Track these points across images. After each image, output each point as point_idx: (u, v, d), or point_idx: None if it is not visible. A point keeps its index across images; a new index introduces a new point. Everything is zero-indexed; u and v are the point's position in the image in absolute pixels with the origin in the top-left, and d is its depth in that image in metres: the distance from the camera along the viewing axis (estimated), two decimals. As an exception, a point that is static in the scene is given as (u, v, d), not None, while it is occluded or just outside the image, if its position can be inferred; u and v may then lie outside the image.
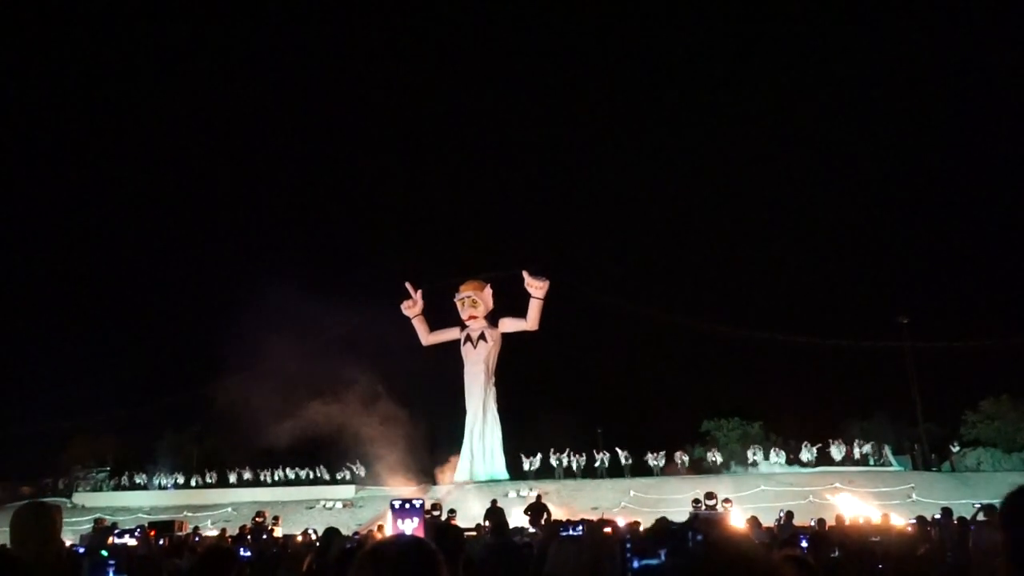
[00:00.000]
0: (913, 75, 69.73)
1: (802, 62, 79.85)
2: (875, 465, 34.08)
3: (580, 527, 5.39)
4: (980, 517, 16.38)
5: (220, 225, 73.91)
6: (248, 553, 5.91)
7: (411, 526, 2.70)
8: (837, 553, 7.05)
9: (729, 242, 65.78)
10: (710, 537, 1.65)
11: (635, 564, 1.70)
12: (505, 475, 35.75)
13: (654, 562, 1.69)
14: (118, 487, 40.93)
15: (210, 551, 4.82)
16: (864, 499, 28.14)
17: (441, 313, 38.40)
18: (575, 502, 29.33)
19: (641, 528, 17.99)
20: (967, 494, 28.63)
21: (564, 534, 4.86)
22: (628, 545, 1.70)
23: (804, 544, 8.64)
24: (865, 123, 72.07)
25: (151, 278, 67.20)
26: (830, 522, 17.53)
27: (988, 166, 65.55)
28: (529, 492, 31.50)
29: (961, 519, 16.45)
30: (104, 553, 2.69)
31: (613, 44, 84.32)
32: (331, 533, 6.71)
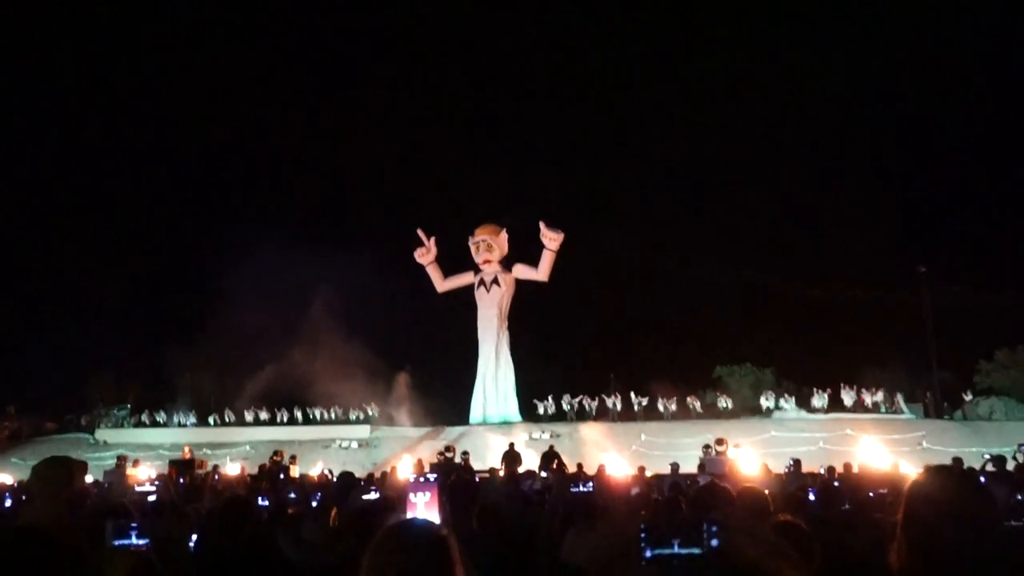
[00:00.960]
0: (935, 16, 67.67)
1: (818, 5, 77.61)
2: (887, 412, 34.25)
3: (590, 483, 5.46)
4: (989, 468, 16.47)
5: (237, 170, 73.72)
6: (266, 502, 6.05)
7: (424, 499, 2.75)
8: (848, 507, 7.10)
9: (745, 189, 64.97)
10: (723, 537, 1.65)
11: (648, 554, 1.70)
12: (518, 417, 36.21)
13: (667, 552, 1.70)
14: (138, 424, 41.83)
15: (228, 502, 4.90)
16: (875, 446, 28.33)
17: (455, 260, 38.47)
18: (586, 445, 29.73)
19: (648, 474, 18.36)
20: (978, 442, 28.79)
21: (574, 490, 4.95)
22: (643, 536, 1.70)
23: (812, 497, 8.69)
24: (882, 65, 70.36)
25: (175, 218, 67.39)
26: (840, 469, 17.67)
27: (1010, 112, 63.96)
28: (541, 435, 31.96)
29: (971, 469, 16.58)
30: (130, 524, 2.73)
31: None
32: (347, 481, 6.83)
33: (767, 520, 3.58)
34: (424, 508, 3.17)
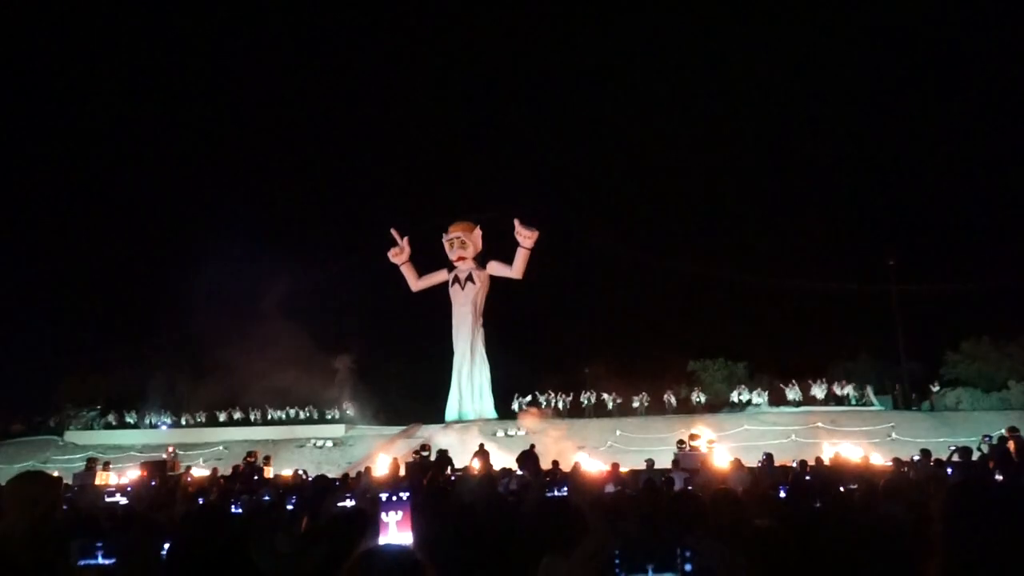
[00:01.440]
0: (908, 15, 68.61)
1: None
2: (857, 404, 34.74)
3: (564, 487, 5.47)
4: (955, 459, 16.81)
5: (208, 171, 72.75)
6: (240, 510, 5.98)
7: (396, 518, 2.71)
8: (819, 504, 7.16)
9: (716, 183, 65.46)
10: (697, 564, 1.64)
11: (621, 581, 1.69)
12: (494, 414, 36.21)
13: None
14: (108, 426, 41.20)
15: (200, 511, 4.84)
16: (846, 439, 28.69)
17: (429, 256, 38.33)
18: (562, 442, 29.80)
19: (623, 469, 18.45)
20: (946, 433, 29.32)
21: (549, 495, 4.95)
22: (617, 561, 1.69)
23: (783, 495, 8.74)
24: (848, 59, 71.20)
25: (145, 218, 66.47)
26: (811, 462, 17.89)
27: (977, 106, 65.04)
28: (517, 432, 31.96)
29: (938, 461, 16.85)
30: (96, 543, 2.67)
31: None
32: (321, 486, 6.77)
33: (741, 526, 3.62)
34: (396, 529, 3.13)
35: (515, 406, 37.22)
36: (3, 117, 75.76)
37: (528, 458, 12.75)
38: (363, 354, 41.73)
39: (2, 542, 3.38)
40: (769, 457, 17.22)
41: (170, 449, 28.97)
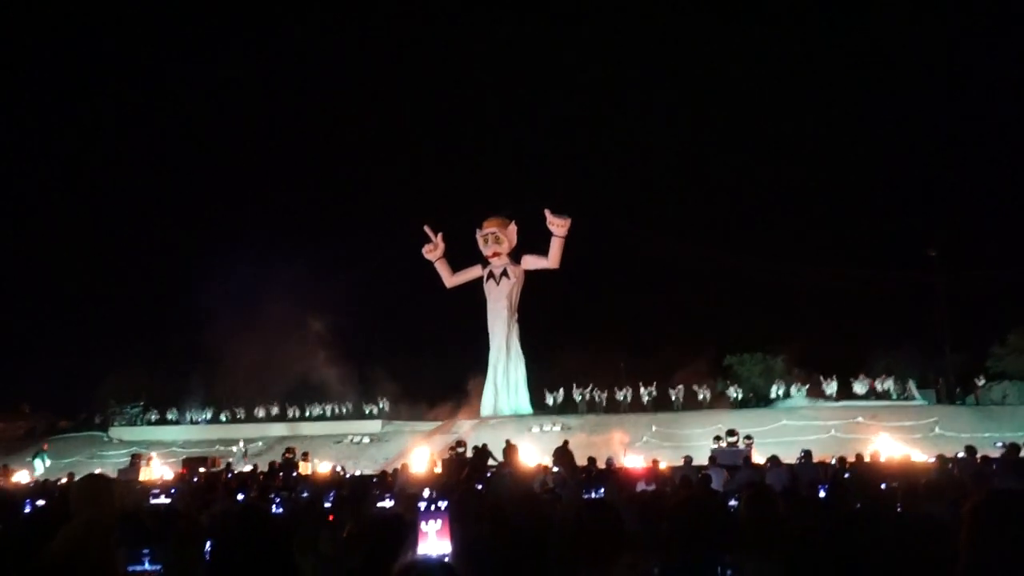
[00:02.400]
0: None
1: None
2: (899, 399, 34.09)
3: (603, 488, 5.46)
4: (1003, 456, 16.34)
5: (244, 164, 73.67)
6: (281, 510, 6.06)
7: (435, 527, 2.74)
8: (859, 505, 7.05)
9: (753, 173, 64.55)
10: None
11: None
12: (529, 410, 36.24)
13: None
14: (151, 422, 42.07)
15: (243, 512, 4.90)
16: (888, 434, 28.18)
17: (463, 252, 38.42)
18: (598, 436, 29.72)
19: (663, 466, 18.35)
20: (992, 427, 28.66)
21: (587, 496, 4.94)
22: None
23: (823, 494, 8.63)
24: (892, 47, 69.68)
25: (184, 216, 67.54)
26: (851, 459, 17.62)
27: (1022, 92, 63.33)
28: (552, 427, 31.96)
29: (984, 458, 16.36)
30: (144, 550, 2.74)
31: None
32: (361, 486, 6.83)
33: (777, 530, 3.57)
34: (436, 537, 3.16)
35: (549, 400, 37.23)
36: (55, 132, 77.49)
37: (563, 455, 12.73)
38: (399, 350, 42.05)
39: (76, 542, 3.46)
40: (808, 454, 16.95)
41: (240, 444, 30.29)
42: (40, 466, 28.63)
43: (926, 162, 61.96)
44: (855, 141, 66.33)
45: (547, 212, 34.95)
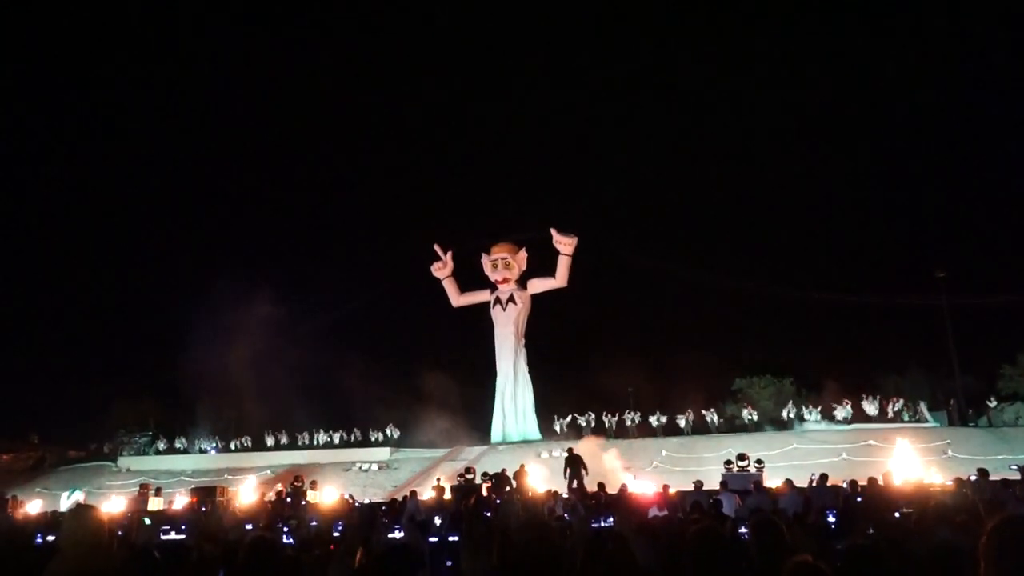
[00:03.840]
0: (956, 23, 67.32)
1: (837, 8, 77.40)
2: (910, 421, 33.74)
3: (611, 517, 5.42)
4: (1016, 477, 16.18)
5: (249, 193, 74.21)
6: (291, 540, 6.04)
7: (446, 561, 2.74)
8: (872, 531, 6.98)
9: (762, 198, 64.68)
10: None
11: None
12: (538, 435, 36.03)
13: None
14: (159, 451, 42.01)
15: (253, 544, 4.90)
16: (899, 456, 27.88)
17: (471, 275, 38.45)
18: (607, 463, 29.51)
19: (672, 491, 18.21)
20: (1004, 449, 28.31)
21: (595, 525, 4.92)
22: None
23: (832, 519, 8.55)
24: (898, 71, 69.96)
25: (187, 247, 68.00)
26: (863, 482, 17.45)
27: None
28: (561, 453, 31.75)
29: (1004, 481, 16.16)
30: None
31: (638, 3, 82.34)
32: (369, 516, 6.82)
33: (782, 559, 3.54)
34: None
35: (557, 427, 37.02)
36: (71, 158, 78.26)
37: (573, 462, 12.62)
38: (406, 376, 41.95)
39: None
40: (823, 477, 16.75)
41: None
42: (67, 501, 28.57)
43: (933, 185, 62.00)
44: (864, 164, 66.48)
45: (553, 231, 35.22)
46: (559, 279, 36.02)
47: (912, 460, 24.98)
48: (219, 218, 71.32)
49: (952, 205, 60.94)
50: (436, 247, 37.83)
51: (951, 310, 37.25)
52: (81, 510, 4.32)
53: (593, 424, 36.51)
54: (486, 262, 37.19)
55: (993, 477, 16.91)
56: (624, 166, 76.56)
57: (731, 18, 78.65)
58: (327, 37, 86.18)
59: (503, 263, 36.72)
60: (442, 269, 37.99)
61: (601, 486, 17.88)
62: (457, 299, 38.23)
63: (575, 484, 23.53)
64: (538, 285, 36.90)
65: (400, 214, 70.43)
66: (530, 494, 18.42)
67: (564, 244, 35.26)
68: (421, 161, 76.39)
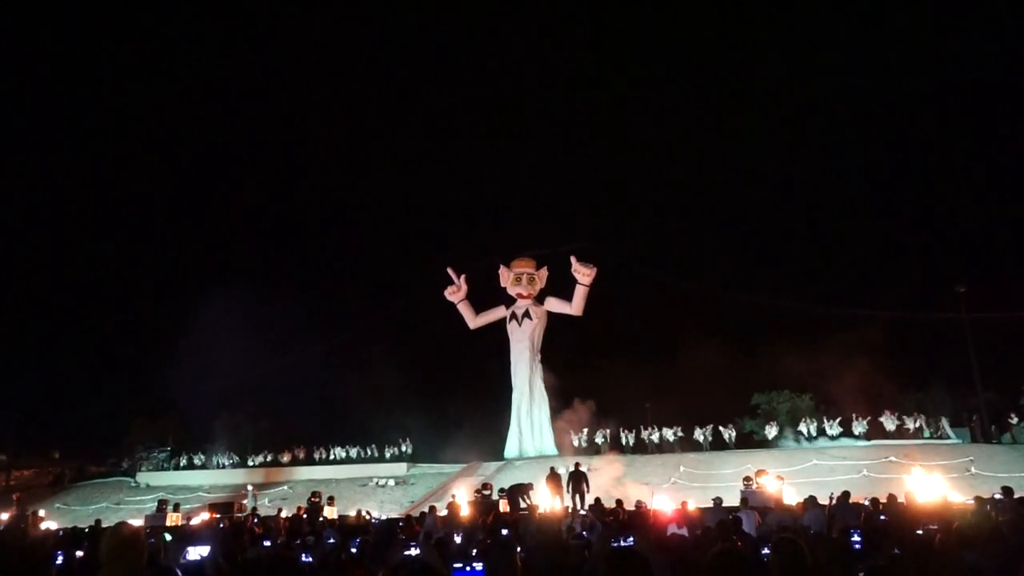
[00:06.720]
0: (973, 34, 67.05)
1: (854, 21, 77.27)
2: (931, 437, 33.35)
3: (631, 537, 5.38)
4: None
5: (277, 211, 74.93)
6: (310, 559, 6.05)
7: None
8: (897, 551, 6.87)
9: (780, 213, 64.47)
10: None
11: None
12: (554, 451, 35.88)
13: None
14: (178, 467, 42.24)
15: (271, 561, 4.93)
16: (923, 470, 27.50)
17: (484, 294, 38.47)
18: (625, 479, 29.36)
19: (692, 507, 18.05)
20: (1029, 467, 27.89)
21: (615, 544, 4.88)
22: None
23: (856, 539, 8.41)
24: (918, 84, 69.69)
25: (204, 263, 68.66)
26: (884, 499, 17.22)
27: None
28: (579, 469, 31.66)
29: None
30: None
31: (656, 15, 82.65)
32: (386, 533, 6.81)
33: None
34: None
35: (575, 441, 36.87)
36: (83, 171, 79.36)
37: (577, 479, 12.56)
38: (423, 392, 42.02)
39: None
40: (845, 495, 16.46)
41: (249, 488, 29.77)
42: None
43: (954, 200, 61.54)
44: (882, 178, 66.13)
45: (573, 259, 34.97)
46: (575, 308, 35.87)
47: (930, 481, 24.62)
48: (240, 237, 71.98)
49: (974, 219, 60.37)
50: (450, 271, 37.81)
51: (972, 325, 36.86)
52: (120, 527, 4.36)
53: (610, 440, 36.37)
54: (506, 275, 37.12)
55: (1018, 494, 16.63)
56: (643, 182, 76.61)
57: (747, 25, 78.75)
58: (339, 46, 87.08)
59: (527, 278, 36.72)
60: (456, 293, 37.96)
61: (619, 503, 17.75)
62: (474, 321, 38.17)
63: (578, 499, 23.57)
64: (555, 305, 36.80)
65: (412, 227, 70.76)
66: (546, 514, 18.36)
67: (583, 274, 35.07)
68: (431, 174, 76.82)
